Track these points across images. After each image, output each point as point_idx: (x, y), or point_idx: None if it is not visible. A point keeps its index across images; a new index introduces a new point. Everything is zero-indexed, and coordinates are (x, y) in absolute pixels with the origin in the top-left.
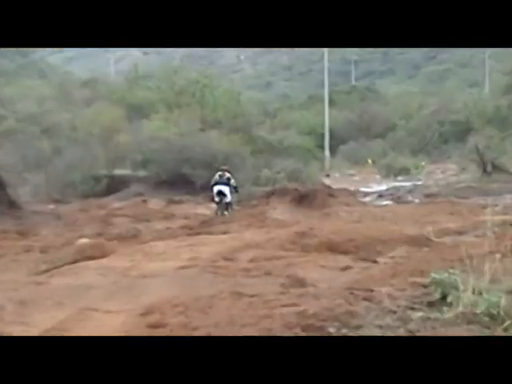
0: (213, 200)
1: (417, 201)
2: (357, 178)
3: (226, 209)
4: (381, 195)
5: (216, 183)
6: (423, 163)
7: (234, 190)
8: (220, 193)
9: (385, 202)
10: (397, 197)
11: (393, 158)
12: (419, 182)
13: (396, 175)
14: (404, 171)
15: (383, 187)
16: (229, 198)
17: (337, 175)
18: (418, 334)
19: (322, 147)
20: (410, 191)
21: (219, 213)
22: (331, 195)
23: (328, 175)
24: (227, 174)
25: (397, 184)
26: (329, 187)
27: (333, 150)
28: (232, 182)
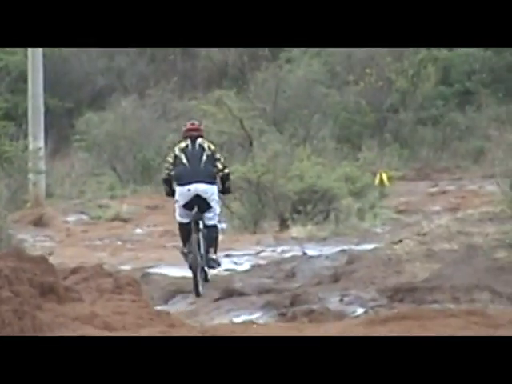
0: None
1: (359, 311)
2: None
3: (208, 262)
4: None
5: (183, 174)
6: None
7: (223, 186)
8: (196, 201)
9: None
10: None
11: None
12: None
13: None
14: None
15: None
16: (214, 218)
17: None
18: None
19: None
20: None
21: (194, 267)
22: None
23: None
24: (206, 143)
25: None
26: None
27: None
28: (220, 163)
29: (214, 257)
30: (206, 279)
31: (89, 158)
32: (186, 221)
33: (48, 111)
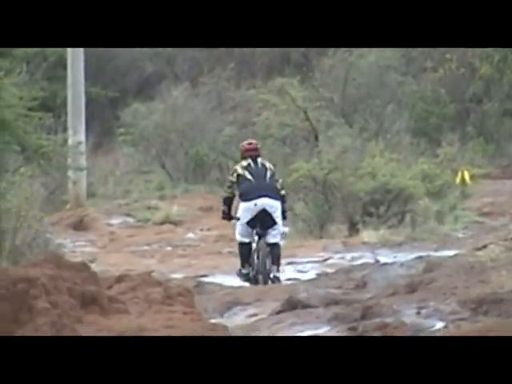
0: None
1: (438, 325)
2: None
3: (272, 280)
4: None
5: (249, 190)
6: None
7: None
8: (262, 216)
9: None
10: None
11: None
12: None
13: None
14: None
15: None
16: (278, 236)
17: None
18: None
19: None
20: None
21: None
22: None
23: None
24: (267, 162)
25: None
26: None
27: None
28: (278, 185)
29: (277, 275)
30: None
31: (135, 153)
32: (247, 240)
33: (90, 101)
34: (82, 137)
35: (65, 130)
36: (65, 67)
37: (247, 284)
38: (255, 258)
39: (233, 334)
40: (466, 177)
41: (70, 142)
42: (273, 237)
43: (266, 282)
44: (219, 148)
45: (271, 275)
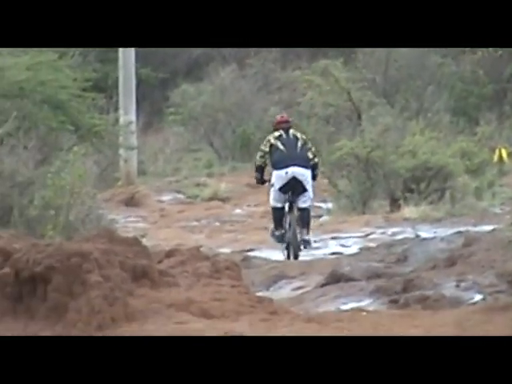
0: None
1: (476, 298)
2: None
3: (301, 242)
4: None
5: (281, 159)
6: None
7: (312, 173)
8: (293, 184)
9: None
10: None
11: None
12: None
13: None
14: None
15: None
16: (308, 201)
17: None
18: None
19: None
20: None
21: (287, 249)
22: None
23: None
24: (298, 133)
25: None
26: None
27: None
28: (310, 153)
29: (306, 238)
30: (295, 258)
31: (184, 132)
32: (279, 205)
33: (140, 82)
34: (133, 116)
35: (116, 110)
36: (116, 49)
37: (280, 244)
38: (287, 225)
39: (277, 306)
40: (504, 154)
41: (121, 121)
42: (303, 202)
43: (295, 249)
44: (265, 127)
45: (301, 238)
